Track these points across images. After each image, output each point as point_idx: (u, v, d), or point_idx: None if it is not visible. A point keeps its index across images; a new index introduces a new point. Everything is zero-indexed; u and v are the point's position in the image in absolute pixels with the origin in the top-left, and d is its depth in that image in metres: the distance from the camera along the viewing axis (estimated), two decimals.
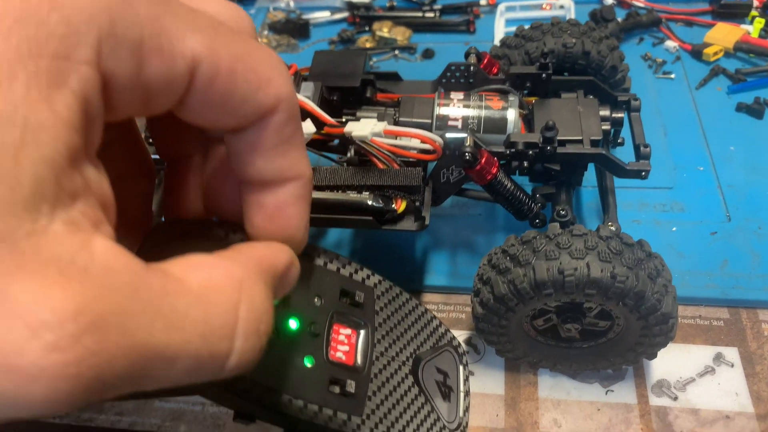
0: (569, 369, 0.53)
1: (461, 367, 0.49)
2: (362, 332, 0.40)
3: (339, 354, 0.38)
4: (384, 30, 0.88)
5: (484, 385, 0.54)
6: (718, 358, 0.54)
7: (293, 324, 0.35)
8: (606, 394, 0.52)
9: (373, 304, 0.42)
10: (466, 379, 0.49)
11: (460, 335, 0.57)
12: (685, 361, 0.54)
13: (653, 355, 0.49)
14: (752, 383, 0.52)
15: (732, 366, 0.53)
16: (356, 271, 0.42)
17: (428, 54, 0.86)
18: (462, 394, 0.48)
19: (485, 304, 0.46)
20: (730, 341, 0.55)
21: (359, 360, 0.39)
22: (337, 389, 0.37)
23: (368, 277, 0.43)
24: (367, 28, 0.91)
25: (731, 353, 0.54)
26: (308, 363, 0.36)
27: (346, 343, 0.39)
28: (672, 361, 0.54)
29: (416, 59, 0.86)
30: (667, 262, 0.46)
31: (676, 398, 0.52)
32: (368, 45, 0.88)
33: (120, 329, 0.18)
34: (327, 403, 0.36)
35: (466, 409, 0.48)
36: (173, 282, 0.21)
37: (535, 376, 0.54)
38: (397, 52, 0.87)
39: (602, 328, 0.48)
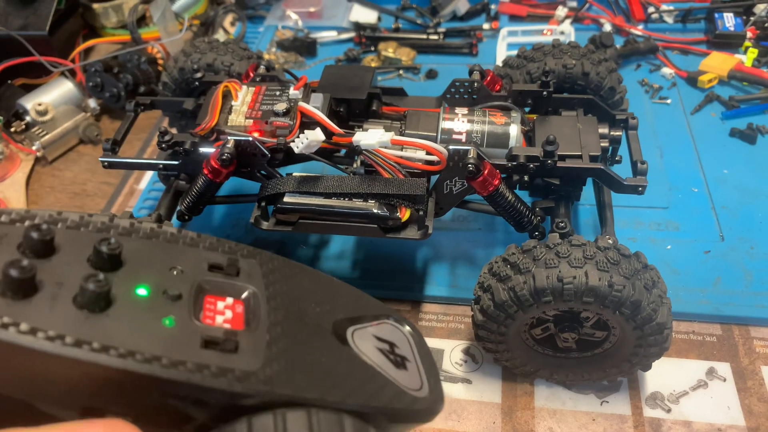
0: (565, 379, 0.54)
1: (412, 340, 0.41)
2: (249, 299, 0.35)
3: (219, 321, 0.33)
4: (389, 50, 0.91)
5: (482, 393, 0.55)
6: (711, 372, 0.55)
7: (142, 291, 0.32)
8: (601, 404, 0.53)
9: (260, 274, 0.37)
10: (427, 354, 0.40)
11: (459, 345, 0.58)
12: (679, 374, 0.55)
13: (648, 367, 0.50)
14: (744, 397, 0.53)
15: (724, 380, 0.54)
16: (229, 247, 0.38)
17: (431, 74, 0.88)
18: (426, 364, 0.39)
19: (485, 311, 0.48)
20: (723, 356, 0.56)
21: (250, 324, 0.34)
22: (215, 348, 0.32)
23: (247, 252, 0.38)
24: (372, 48, 0.94)
25: (723, 368, 0.55)
26: (169, 323, 0.32)
27: (231, 313, 0.34)
28: (666, 375, 0.55)
29: (420, 79, 0.88)
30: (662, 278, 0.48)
31: (669, 410, 0.53)
32: (374, 64, 0.91)
33: None
34: (202, 359, 0.31)
35: (437, 381, 0.38)
36: None
37: (531, 386, 0.55)
38: (401, 71, 0.89)
39: (598, 338, 0.50)
